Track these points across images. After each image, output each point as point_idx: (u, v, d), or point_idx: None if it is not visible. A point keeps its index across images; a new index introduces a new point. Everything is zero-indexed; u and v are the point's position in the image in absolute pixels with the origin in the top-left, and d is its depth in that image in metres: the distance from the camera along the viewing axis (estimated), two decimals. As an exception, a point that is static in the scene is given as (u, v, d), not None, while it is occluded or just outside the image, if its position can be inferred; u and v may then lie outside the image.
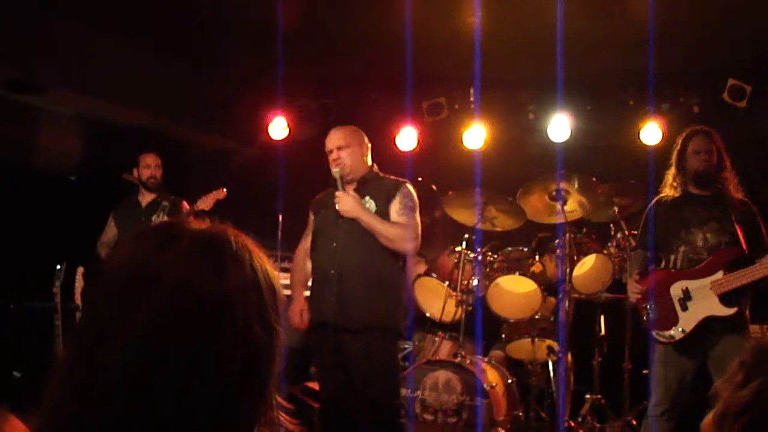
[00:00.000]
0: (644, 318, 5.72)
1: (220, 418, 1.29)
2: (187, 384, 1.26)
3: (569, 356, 7.47)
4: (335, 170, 5.63)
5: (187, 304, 1.29)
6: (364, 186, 5.66)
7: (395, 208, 5.57)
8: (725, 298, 5.43)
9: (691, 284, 5.54)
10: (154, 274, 1.30)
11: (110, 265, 1.38)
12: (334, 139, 5.76)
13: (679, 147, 5.89)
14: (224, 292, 1.32)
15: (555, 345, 7.26)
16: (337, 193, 5.55)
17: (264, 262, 1.42)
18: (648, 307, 5.69)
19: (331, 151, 5.70)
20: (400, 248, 5.54)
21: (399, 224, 5.51)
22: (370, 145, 5.88)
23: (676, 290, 5.59)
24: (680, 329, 5.53)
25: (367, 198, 5.59)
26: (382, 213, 5.54)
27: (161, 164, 7.57)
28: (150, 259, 1.33)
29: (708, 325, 5.46)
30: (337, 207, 5.52)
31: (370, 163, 5.84)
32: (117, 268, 1.36)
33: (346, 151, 5.68)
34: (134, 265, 1.34)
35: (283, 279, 7.88)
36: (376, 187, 5.67)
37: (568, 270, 7.10)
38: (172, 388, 1.26)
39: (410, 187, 5.71)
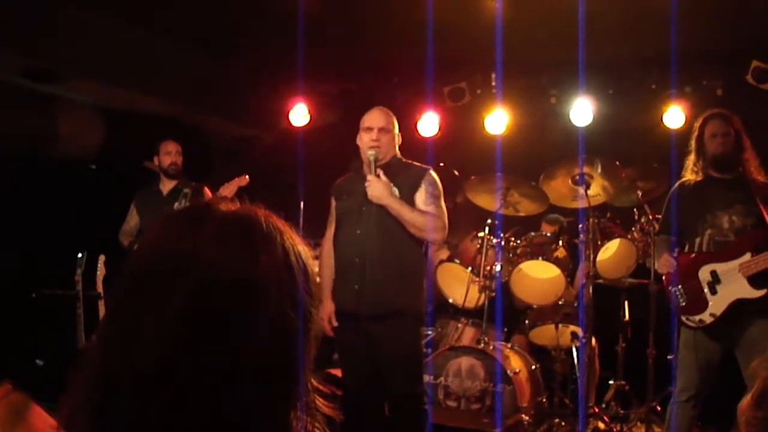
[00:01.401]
0: (672, 303, 5.68)
1: (254, 402, 1.27)
2: (220, 369, 1.24)
3: (594, 342, 7.44)
4: (371, 152, 5.47)
5: (219, 288, 1.26)
6: (388, 172, 5.53)
7: (421, 197, 5.49)
8: (754, 280, 5.37)
9: (719, 267, 5.48)
10: (184, 259, 1.28)
11: (139, 253, 1.35)
12: (379, 118, 5.61)
13: (696, 132, 5.85)
14: (256, 275, 1.29)
15: (579, 331, 7.23)
16: (369, 177, 5.42)
17: (296, 242, 1.39)
18: (676, 291, 5.64)
19: (371, 129, 5.55)
20: (429, 238, 5.49)
21: (428, 213, 5.44)
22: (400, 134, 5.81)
23: (704, 274, 5.53)
24: (710, 313, 5.48)
25: (391, 185, 5.50)
26: (406, 201, 5.47)
27: (182, 151, 7.57)
28: (179, 244, 1.30)
29: (738, 308, 5.41)
30: (367, 191, 5.41)
31: (396, 149, 5.76)
32: (145, 255, 1.34)
33: (386, 135, 5.57)
34: (163, 251, 1.31)
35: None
36: (400, 173, 5.58)
37: (591, 255, 7.05)
38: (205, 374, 1.24)
39: (434, 174, 5.63)
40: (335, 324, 5.63)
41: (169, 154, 7.50)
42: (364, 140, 5.58)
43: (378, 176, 5.46)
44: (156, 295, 1.26)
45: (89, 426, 1.25)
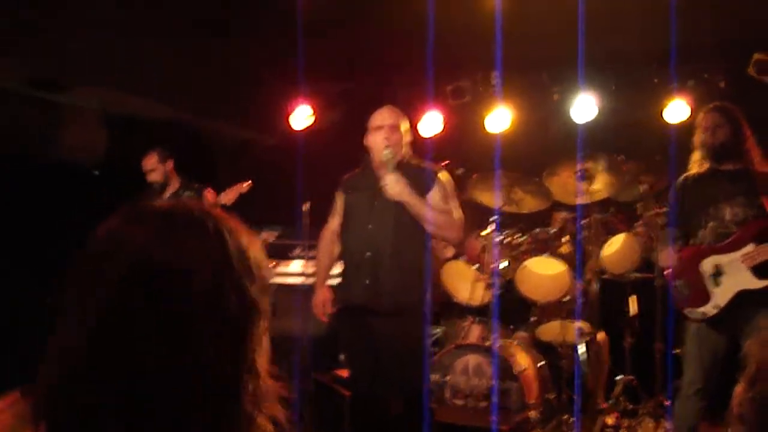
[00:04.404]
0: (675, 295, 5.67)
1: (198, 387, 1.33)
2: (159, 355, 1.30)
3: (604, 336, 7.44)
4: (387, 151, 5.43)
5: (150, 268, 1.34)
6: (399, 171, 5.48)
7: (437, 198, 5.48)
8: (758, 271, 5.37)
9: (722, 259, 5.48)
10: (118, 244, 1.37)
11: (89, 241, 1.44)
12: (390, 116, 5.61)
13: (697, 127, 5.87)
14: (183, 261, 1.36)
15: (585, 326, 7.22)
16: (388, 176, 5.38)
17: (234, 229, 1.45)
18: (679, 284, 5.64)
19: (381, 128, 5.54)
20: (447, 236, 5.51)
21: (447, 212, 5.44)
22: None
23: (706, 266, 5.53)
24: (713, 305, 5.47)
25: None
26: None
27: (160, 160, 7.62)
28: (117, 232, 1.40)
29: (742, 299, 5.40)
30: (386, 189, 5.37)
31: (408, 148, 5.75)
32: (91, 242, 1.43)
33: (397, 133, 5.56)
34: (104, 238, 1.41)
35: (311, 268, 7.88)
36: (412, 173, 5.53)
37: (593, 249, 7.04)
38: (142, 361, 1.30)
39: (446, 174, 5.63)
40: (330, 311, 5.65)
41: (152, 172, 7.57)
42: (376, 140, 5.56)
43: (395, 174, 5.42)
44: (91, 284, 1.35)
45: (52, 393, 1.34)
